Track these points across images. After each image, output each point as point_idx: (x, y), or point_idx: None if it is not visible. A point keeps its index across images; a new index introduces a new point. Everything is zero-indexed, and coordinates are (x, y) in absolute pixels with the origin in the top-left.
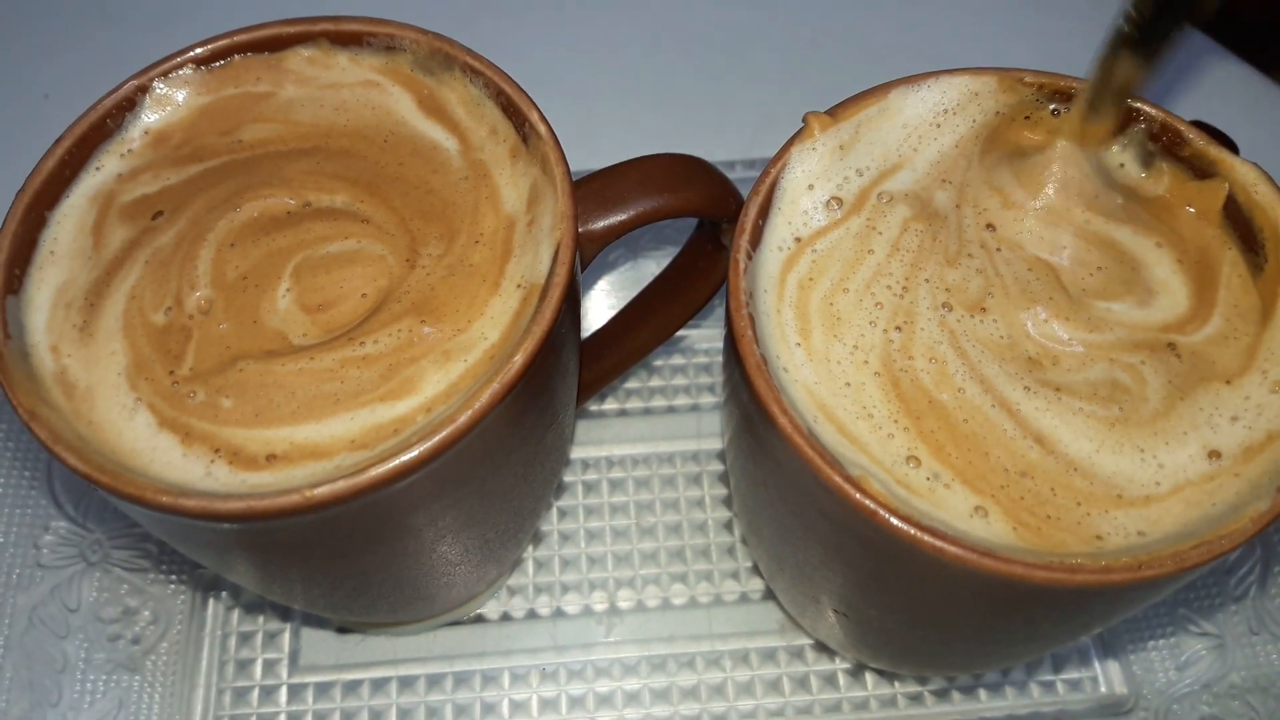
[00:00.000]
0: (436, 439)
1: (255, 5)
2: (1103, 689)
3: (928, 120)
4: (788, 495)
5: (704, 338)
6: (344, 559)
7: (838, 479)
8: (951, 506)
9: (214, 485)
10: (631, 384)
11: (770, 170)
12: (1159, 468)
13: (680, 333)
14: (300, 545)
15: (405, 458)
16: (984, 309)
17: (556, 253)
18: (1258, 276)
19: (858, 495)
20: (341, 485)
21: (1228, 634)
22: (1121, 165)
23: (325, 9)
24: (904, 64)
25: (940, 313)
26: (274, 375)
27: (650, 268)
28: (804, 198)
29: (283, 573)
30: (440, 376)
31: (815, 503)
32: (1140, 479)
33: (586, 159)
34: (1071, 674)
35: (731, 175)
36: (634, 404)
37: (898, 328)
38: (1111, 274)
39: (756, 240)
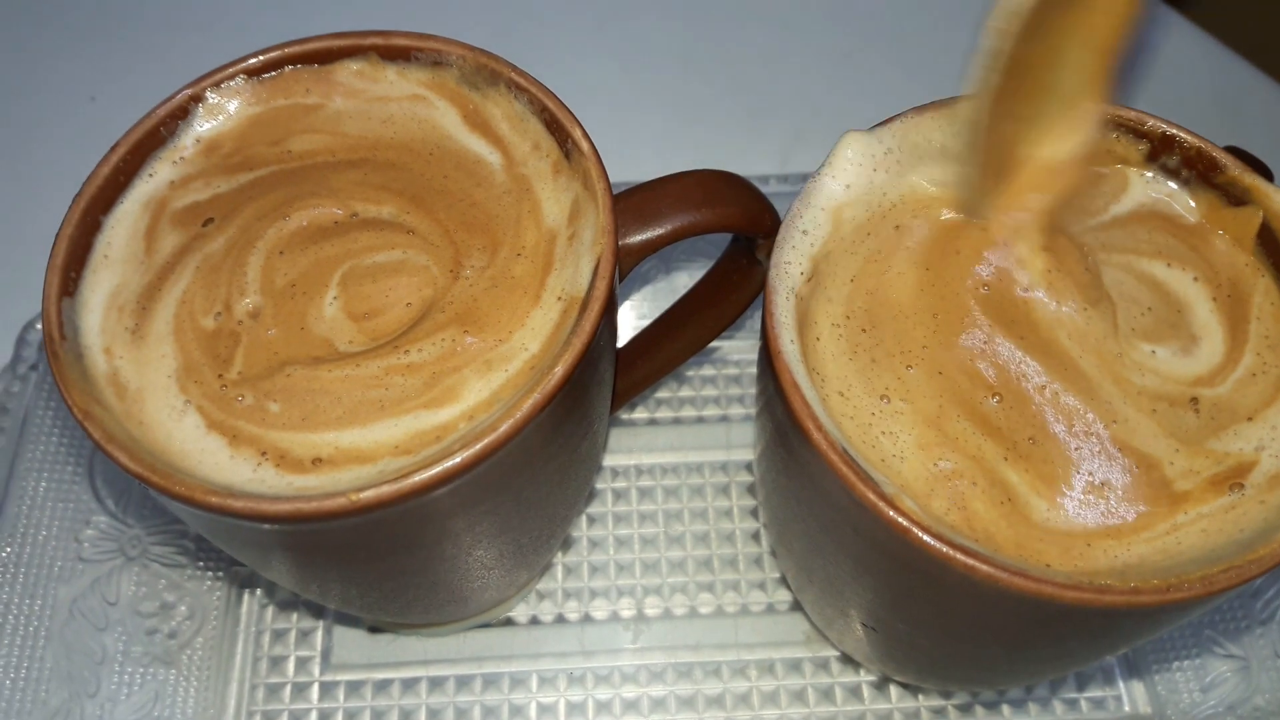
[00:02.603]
0: (478, 446)
1: (297, 14)
2: (1126, 708)
3: None
4: (819, 510)
5: (735, 349)
6: (384, 561)
7: (872, 497)
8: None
9: (261, 487)
10: (662, 394)
11: (807, 186)
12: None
13: (711, 344)
14: (343, 547)
15: (448, 464)
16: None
17: (597, 266)
18: None
19: (892, 513)
20: (386, 489)
21: (1253, 657)
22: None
23: (369, 23)
24: (944, 83)
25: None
26: (320, 381)
27: (683, 280)
28: (840, 206)
29: (323, 573)
30: (482, 385)
31: (848, 519)
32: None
33: (622, 172)
34: (1096, 692)
35: (765, 190)
36: (664, 413)
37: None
38: (1160, 316)
39: (791, 257)
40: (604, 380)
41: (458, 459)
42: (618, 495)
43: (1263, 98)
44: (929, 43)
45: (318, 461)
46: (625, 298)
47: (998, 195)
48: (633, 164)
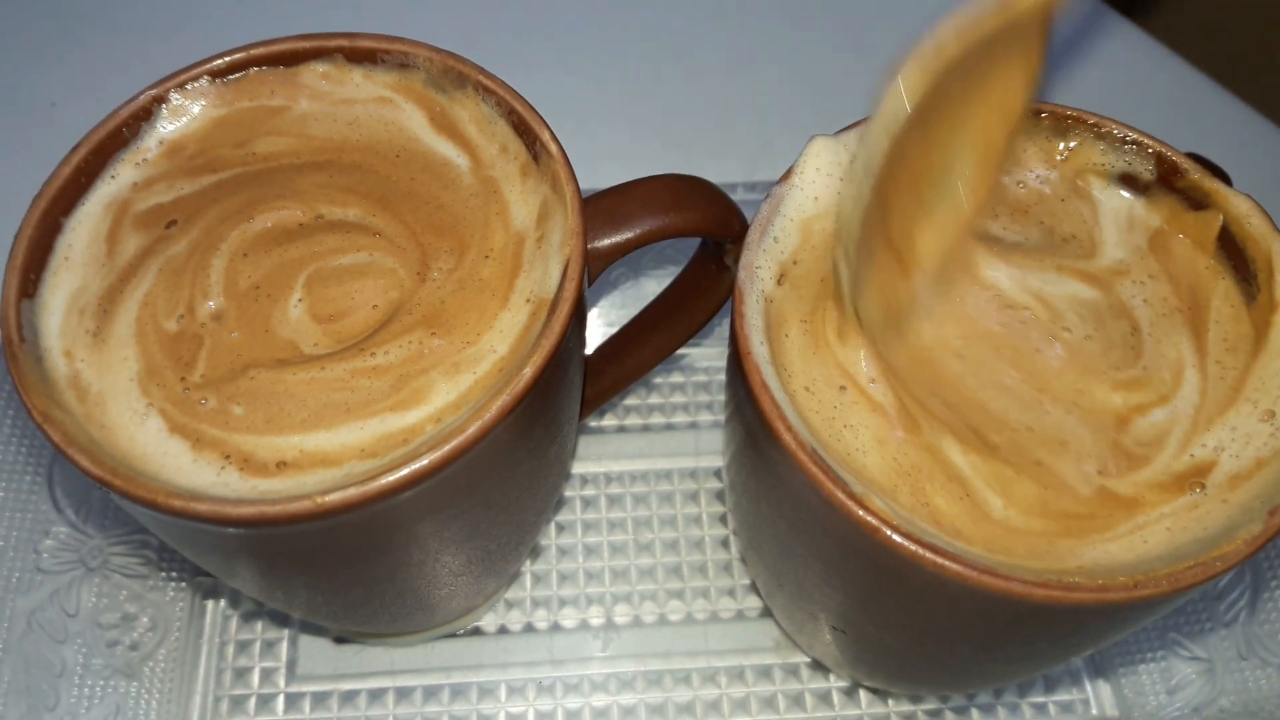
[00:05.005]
0: (446, 449)
1: (259, 16)
2: (1094, 711)
3: None
4: (789, 512)
5: (703, 356)
6: (350, 567)
7: (841, 496)
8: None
9: (224, 491)
10: (630, 401)
11: (776, 191)
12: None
13: (680, 351)
14: (308, 552)
15: (415, 466)
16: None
17: (565, 268)
18: (1251, 306)
19: (861, 512)
20: (352, 492)
21: (1217, 658)
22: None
23: (335, 25)
24: None
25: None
26: (285, 384)
27: (651, 286)
28: (810, 219)
29: (288, 579)
30: (450, 388)
31: (818, 519)
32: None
33: (590, 179)
34: (1063, 696)
35: (733, 198)
36: (633, 420)
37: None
38: (1121, 319)
39: (761, 260)
40: (573, 384)
41: (425, 461)
42: (586, 503)
43: (1218, 106)
44: (903, 47)
45: (282, 465)
46: (594, 304)
47: (873, 283)
48: (601, 172)
